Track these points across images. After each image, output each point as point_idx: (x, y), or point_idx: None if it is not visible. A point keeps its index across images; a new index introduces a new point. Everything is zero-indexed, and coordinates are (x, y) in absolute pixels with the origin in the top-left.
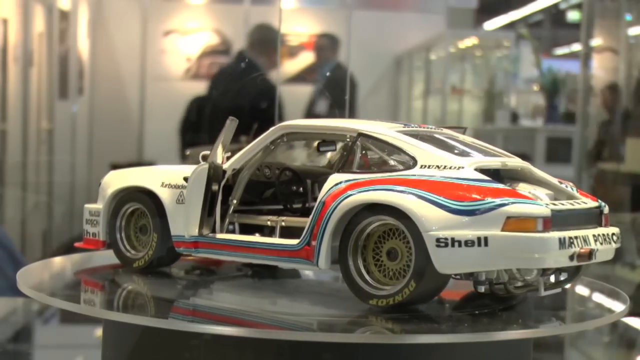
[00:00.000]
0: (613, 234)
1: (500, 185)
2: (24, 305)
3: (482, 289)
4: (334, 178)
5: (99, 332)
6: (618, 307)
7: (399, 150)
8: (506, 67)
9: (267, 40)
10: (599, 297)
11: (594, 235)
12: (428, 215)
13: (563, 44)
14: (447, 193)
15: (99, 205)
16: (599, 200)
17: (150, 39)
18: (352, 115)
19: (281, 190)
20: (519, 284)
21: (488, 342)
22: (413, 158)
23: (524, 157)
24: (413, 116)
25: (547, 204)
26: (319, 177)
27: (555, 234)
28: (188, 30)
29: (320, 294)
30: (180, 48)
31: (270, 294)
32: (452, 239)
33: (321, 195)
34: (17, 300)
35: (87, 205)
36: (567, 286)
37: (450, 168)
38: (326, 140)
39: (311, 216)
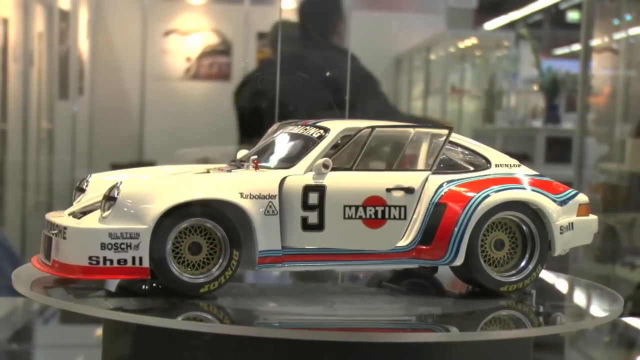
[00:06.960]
0: None
1: (546, 178)
2: (24, 305)
3: None
4: (436, 179)
5: (99, 332)
6: (615, 307)
7: (470, 151)
8: (506, 67)
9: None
10: (595, 298)
11: None
12: (552, 209)
13: (563, 44)
14: (547, 189)
15: (137, 225)
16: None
17: (150, 39)
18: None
19: None
20: None
21: (488, 341)
22: (486, 158)
23: (524, 157)
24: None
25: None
26: None
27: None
28: (188, 30)
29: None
30: (180, 48)
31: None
32: (563, 226)
33: (429, 195)
34: (17, 300)
35: (98, 227)
36: None
37: (515, 166)
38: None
39: (422, 216)
